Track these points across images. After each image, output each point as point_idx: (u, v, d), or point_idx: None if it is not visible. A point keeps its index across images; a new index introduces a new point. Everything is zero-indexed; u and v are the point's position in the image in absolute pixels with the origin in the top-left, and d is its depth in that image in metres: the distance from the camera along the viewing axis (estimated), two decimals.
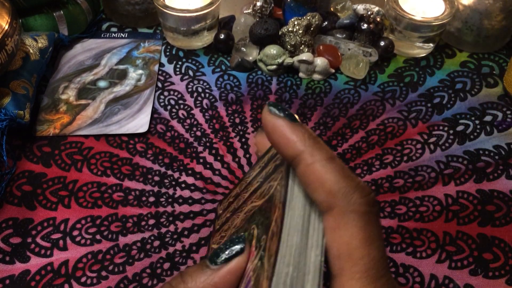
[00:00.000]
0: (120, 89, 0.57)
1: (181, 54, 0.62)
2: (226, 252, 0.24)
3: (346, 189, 0.21)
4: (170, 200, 0.48)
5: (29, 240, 0.44)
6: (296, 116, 0.24)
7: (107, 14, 0.66)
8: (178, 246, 0.45)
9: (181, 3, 0.58)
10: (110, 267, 0.43)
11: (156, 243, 0.45)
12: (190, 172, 0.50)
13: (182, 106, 0.56)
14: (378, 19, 0.59)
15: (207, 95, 0.57)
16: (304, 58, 0.57)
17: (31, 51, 0.55)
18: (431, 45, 0.61)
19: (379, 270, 0.21)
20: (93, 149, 0.51)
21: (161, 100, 0.56)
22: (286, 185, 0.23)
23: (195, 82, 0.59)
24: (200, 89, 0.58)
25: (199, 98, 0.57)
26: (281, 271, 0.21)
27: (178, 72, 0.60)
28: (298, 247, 0.21)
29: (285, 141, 0.23)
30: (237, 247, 0.24)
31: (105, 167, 0.50)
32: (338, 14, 0.65)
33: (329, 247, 0.22)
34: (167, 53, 0.62)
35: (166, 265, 0.43)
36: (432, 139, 0.53)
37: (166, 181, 0.49)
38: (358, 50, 0.60)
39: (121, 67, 0.60)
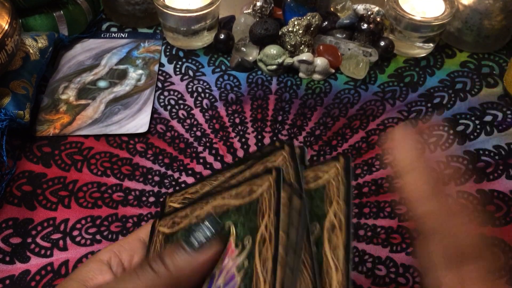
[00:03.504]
0: (120, 89, 0.57)
1: (181, 54, 0.62)
2: (202, 238, 0.25)
3: None
4: None
5: (29, 240, 0.44)
6: None
7: (107, 14, 0.66)
8: None
9: (181, 3, 0.58)
10: None
11: None
12: (190, 172, 0.50)
13: (182, 106, 0.56)
14: (378, 19, 0.59)
15: (207, 95, 0.57)
16: (304, 58, 0.57)
17: (31, 51, 0.55)
18: (431, 45, 0.61)
19: None
20: (93, 149, 0.51)
21: (161, 100, 0.56)
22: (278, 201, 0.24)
23: (195, 82, 0.59)
24: (200, 89, 0.58)
25: (199, 98, 0.57)
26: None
27: (178, 72, 0.60)
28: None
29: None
30: (212, 233, 0.26)
31: (105, 167, 0.50)
32: (338, 14, 0.65)
33: None
34: (167, 53, 0.62)
35: None
36: (432, 139, 0.53)
37: (166, 181, 0.49)
38: (358, 50, 0.60)
39: (121, 67, 0.60)
